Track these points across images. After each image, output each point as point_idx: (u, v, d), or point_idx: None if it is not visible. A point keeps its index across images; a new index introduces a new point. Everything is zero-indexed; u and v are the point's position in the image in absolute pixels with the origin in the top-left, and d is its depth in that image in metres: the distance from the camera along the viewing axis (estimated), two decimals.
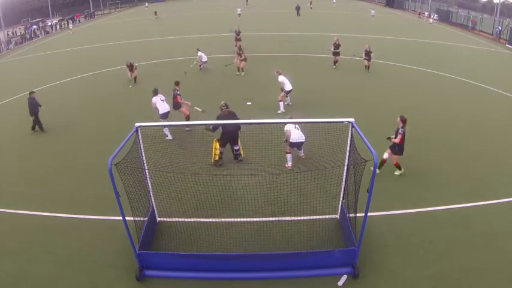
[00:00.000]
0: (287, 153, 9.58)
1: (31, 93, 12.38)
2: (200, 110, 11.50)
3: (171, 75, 18.53)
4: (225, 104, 10.28)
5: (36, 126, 12.48)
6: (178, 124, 9.78)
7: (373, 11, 41.94)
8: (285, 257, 6.28)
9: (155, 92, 11.64)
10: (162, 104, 11.46)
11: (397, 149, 8.95)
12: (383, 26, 34.37)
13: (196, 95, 15.42)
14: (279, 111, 13.40)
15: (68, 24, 44.90)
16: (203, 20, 39.98)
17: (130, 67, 17.85)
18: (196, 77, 18.21)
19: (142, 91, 16.49)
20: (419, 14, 47.12)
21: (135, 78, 17.88)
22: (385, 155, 9.19)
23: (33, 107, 12.20)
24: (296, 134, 9.33)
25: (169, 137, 11.24)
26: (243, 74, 18.33)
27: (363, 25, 35.60)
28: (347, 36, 26.24)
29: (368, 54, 18.39)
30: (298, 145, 9.54)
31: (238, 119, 9.86)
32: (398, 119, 8.86)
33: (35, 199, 8.70)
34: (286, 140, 9.45)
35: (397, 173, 9.34)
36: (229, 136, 9.75)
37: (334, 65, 19.50)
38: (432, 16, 45.66)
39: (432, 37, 30.54)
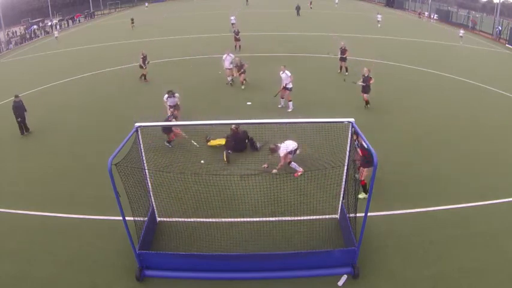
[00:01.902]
0: (290, 163, 9.29)
1: (16, 96, 12.37)
2: (196, 144, 10.84)
3: (171, 76, 18.60)
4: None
5: (24, 130, 12.48)
6: (178, 124, 9.79)
7: (379, 16, 35.55)
8: (285, 257, 6.28)
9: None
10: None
11: (365, 161, 7.83)
12: (383, 26, 34.31)
13: (197, 94, 15.46)
14: (289, 110, 13.56)
15: (55, 29, 40.76)
16: (203, 20, 39.97)
17: (144, 60, 17.41)
18: (197, 76, 18.20)
19: (143, 91, 16.54)
20: (419, 14, 47.14)
21: (145, 75, 17.81)
22: (360, 176, 8.20)
23: (20, 109, 12.22)
24: (291, 144, 9.14)
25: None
26: (243, 87, 16.45)
27: (363, 25, 35.59)
28: (347, 36, 26.24)
29: (366, 80, 13.34)
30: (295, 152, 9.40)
31: (247, 137, 10.33)
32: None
33: (35, 199, 8.70)
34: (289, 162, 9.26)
35: (361, 196, 7.87)
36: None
37: (340, 70, 18.40)
38: (432, 16, 45.70)
39: (432, 37, 30.54)
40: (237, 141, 10.21)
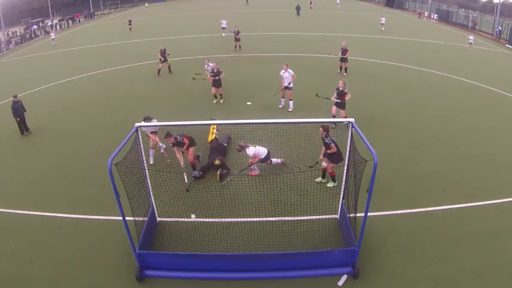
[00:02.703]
0: (252, 164, 9.21)
1: (15, 97, 12.35)
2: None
3: (171, 76, 18.62)
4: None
5: (24, 130, 12.49)
6: (178, 124, 9.75)
7: (383, 19, 33.17)
8: (285, 257, 6.28)
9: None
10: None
11: (334, 157, 8.29)
12: (385, 27, 34.29)
13: (197, 94, 15.46)
14: (290, 109, 13.63)
15: (53, 30, 39.12)
16: (203, 20, 39.95)
17: (164, 53, 18.28)
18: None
19: (143, 91, 16.54)
20: (419, 14, 47.18)
21: (169, 67, 18.77)
22: (324, 164, 8.68)
23: (19, 110, 12.22)
24: (262, 150, 9.13)
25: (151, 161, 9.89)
26: (221, 101, 14.50)
27: (363, 25, 35.59)
28: (347, 36, 26.24)
29: (341, 95, 11.53)
30: (267, 159, 9.31)
31: (225, 149, 10.23)
32: (321, 129, 8.24)
33: (35, 199, 8.70)
34: (252, 164, 9.14)
35: (330, 185, 8.63)
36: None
37: (340, 70, 18.27)
38: (432, 16, 45.69)
39: (432, 37, 30.54)
40: (219, 148, 10.17)
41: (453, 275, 6.26)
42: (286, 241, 6.87)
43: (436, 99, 15.01)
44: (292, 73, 13.09)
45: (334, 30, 30.69)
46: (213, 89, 14.25)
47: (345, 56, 17.90)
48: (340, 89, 11.51)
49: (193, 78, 15.34)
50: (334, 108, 11.72)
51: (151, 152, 9.85)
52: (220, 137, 10.75)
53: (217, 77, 14.00)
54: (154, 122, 9.07)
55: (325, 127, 8.19)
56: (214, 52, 23.08)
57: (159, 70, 18.55)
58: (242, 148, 9.04)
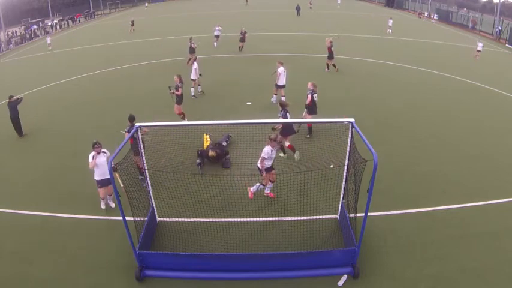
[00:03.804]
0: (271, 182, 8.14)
1: (11, 97, 12.27)
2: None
3: (172, 75, 18.60)
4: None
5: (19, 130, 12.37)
6: (178, 124, 9.77)
7: (390, 21, 31.35)
8: (285, 257, 6.28)
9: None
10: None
11: (284, 131, 9.44)
12: (383, 26, 34.28)
13: (197, 94, 15.43)
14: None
15: (49, 34, 37.62)
16: (204, 20, 39.94)
17: (192, 51, 19.67)
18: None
19: (142, 91, 16.54)
20: (419, 14, 47.19)
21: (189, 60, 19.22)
22: (286, 143, 9.69)
23: (14, 110, 12.17)
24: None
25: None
26: (185, 119, 12.18)
27: (363, 25, 35.59)
28: (347, 36, 26.23)
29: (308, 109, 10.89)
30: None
31: (224, 149, 10.28)
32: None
33: (35, 199, 8.70)
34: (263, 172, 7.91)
35: (281, 154, 9.79)
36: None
37: (336, 69, 18.39)
38: (432, 16, 45.71)
39: (432, 37, 30.54)
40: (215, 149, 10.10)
41: (453, 275, 6.26)
42: (286, 241, 6.86)
43: (436, 99, 15.01)
44: (279, 71, 13.52)
45: (335, 30, 30.67)
46: (177, 108, 12.23)
47: (331, 53, 18.23)
48: (311, 89, 10.96)
49: (169, 88, 12.49)
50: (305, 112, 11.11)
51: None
52: (217, 139, 10.74)
53: (175, 92, 12.03)
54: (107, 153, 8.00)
55: (282, 103, 9.64)
56: (214, 52, 23.09)
57: (193, 59, 19.38)
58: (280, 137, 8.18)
